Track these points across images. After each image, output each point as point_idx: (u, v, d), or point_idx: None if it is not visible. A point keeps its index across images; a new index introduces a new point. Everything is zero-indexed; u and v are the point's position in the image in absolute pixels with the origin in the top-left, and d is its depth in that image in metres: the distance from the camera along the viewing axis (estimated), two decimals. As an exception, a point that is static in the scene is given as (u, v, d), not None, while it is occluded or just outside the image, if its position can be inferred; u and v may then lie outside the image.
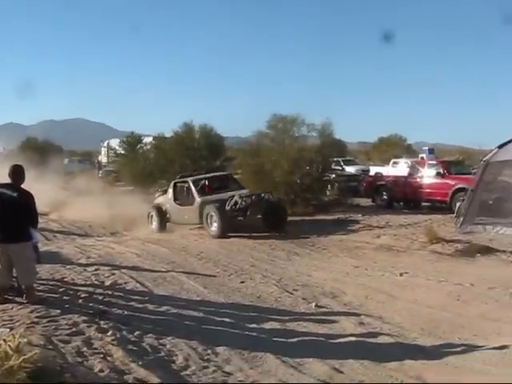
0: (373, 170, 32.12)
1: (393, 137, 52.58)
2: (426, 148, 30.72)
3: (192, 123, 27.34)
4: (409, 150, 46.36)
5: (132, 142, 31.76)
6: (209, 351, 5.97)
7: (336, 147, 20.01)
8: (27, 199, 7.10)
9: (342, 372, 5.59)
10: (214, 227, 14.16)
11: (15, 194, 7.04)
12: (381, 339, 6.60)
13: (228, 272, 10.07)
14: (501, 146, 13.39)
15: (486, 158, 13.53)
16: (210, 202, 14.71)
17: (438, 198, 17.30)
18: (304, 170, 18.51)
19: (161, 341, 6.17)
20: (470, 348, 6.17)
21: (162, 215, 16.50)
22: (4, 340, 4.46)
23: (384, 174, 27.05)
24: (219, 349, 6.03)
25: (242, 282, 9.33)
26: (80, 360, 5.22)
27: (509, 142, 13.35)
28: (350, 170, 30.76)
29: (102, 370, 5.01)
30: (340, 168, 27.30)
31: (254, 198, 14.75)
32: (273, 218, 15.20)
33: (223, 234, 13.99)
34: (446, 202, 16.70)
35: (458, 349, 6.18)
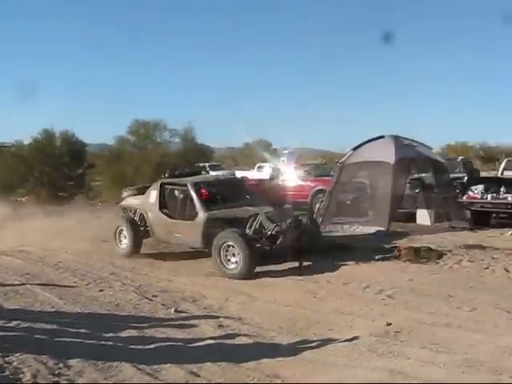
0: (238, 175, 32.50)
1: (258, 142, 53.76)
2: (287, 151, 31.60)
3: (52, 129, 26.49)
4: (275, 155, 47.57)
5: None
6: (60, 365, 5.65)
7: (200, 152, 19.99)
8: None
9: (199, 375, 5.52)
10: (235, 264, 9.86)
11: None
12: (239, 340, 6.60)
13: (86, 281, 9.70)
14: (355, 149, 14.04)
15: (342, 160, 14.13)
16: (222, 222, 10.66)
17: (300, 200, 17.80)
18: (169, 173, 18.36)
19: (7, 358, 5.75)
20: (324, 342, 6.34)
21: (137, 228, 12.19)
22: None
23: (249, 177, 27.49)
24: (72, 361, 5.74)
25: (101, 291, 9.01)
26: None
27: (362, 144, 14.02)
28: (216, 174, 30.96)
29: None
30: (205, 173, 27.37)
31: (290, 223, 10.35)
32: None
33: (250, 273, 9.77)
34: (307, 203, 17.23)
35: (313, 344, 6.32)
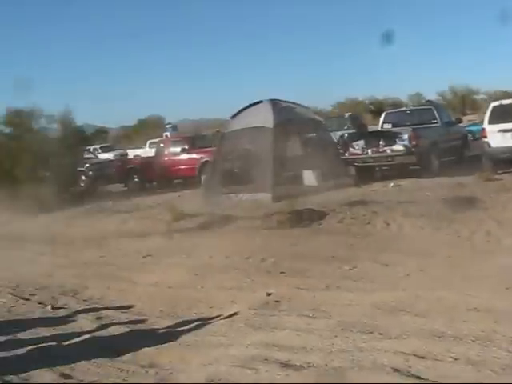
0: (132, 153, 31.88)
1: (151, 118, 52.79)
2: (170, 125, 31.17)
3: None
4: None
5: None
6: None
7: (81, 135, 19.25)
8: None
9: (71, 377, 5.23)
10: None
11: None
12: (117, 331, 6.32)
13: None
14: (233, 117, 13.90)
15: (222, 129, 13.99)
16: None
17: (188, 174, 17.57)
18: (49, 163, 17.63)
19: None
20: (204, 322, 6.21)
21: None
22: None
23: (142, 155, 26.97)
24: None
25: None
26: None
27: (240, 111, 13.90)
28: (108, 156, 30.17)
29: None
30: (93, 156, 26.55)
31: None
32: None
33: None
34: (195, 176, 17.00)
35: (193, 325, 6.16)
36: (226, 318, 6.20)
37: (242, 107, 14.11)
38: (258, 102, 14.11)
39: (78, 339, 6.23)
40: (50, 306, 7.52)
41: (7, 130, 18.35)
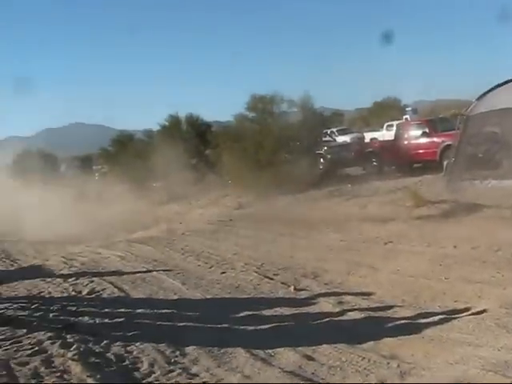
0: (368, 136, 31.67)
1: (387, 99, 51.83)
2: (409, 108, 30.28)
3: (177, 114, 27.18)
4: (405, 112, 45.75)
5: (123, 140, 31.36)
6: (177, 353, 5.66)
7: (320, 119, 19.54)
8: None
9: (313, 359, 5.30)
10: None
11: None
12: (358, 317, 6.31)
13: (209, 264, 9.80)
14: (479, 98, 13.00)
15: (466, 111, 13.17)
16: None
17: (428, 158, 16.89)
18: (290, 147, 18.22)
19: (128, 348, 5.87)
20: (448, 316, 5.89)
21: None
22: None
23: (379, 138, 26.64)
24: (188, 349, 5.73)
25: (223, 273, 9.05)
26: (34, 382, 4.94)
27: (487, 92, 12.96)
28: (345, 139, 30.32)
29: (53, 391, 4.74)
30: (331, 139, 26.87)
31: None
32: None
33: None
34: (436, 161, 16.29)
35: (437, 318, 5.88)
36: (474, 314, 5.79)
37: (488, 88, 13.12)
38: (507, 81, 12.99)
39: (319, 322, 6.33)
40: (292, 287, 7.74)
41: (251, 115, 19.21)
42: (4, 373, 5.15)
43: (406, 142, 17.85)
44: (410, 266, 7.87)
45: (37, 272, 10.72)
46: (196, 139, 24.70)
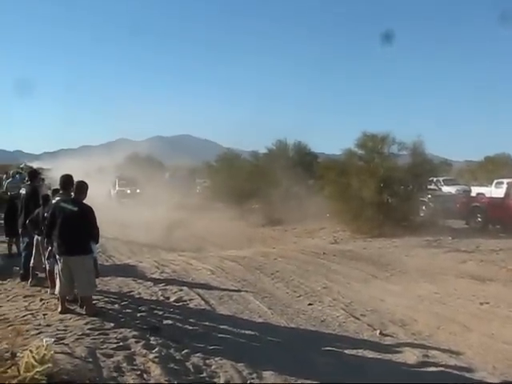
0: (475, 191, 30.59)
1: (500, 155, 49.99)
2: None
3: (286, 140, 27.50)
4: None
5: (229, 157, 31.99)
6: (254, 375, 5.71)
7: (430, 166, 19.09)
8: (87, 214, 7.23)
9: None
10: None
11: (76, 209, 7.21)
12: (443, 375, 6.09)
13: (298, 293, 9.79)
14: None
15: None
16: None
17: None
18: (394, 189, 17.94)
19: (207, 361, 5.99)
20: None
21: None
22: (30, 351, 4.47)
23: (487, 194, 25.69)
24: (266, 373, 5.77)
25: (310, 305, 9.01)
26: (115, 375, 5.12)
27: None
28: (450, 190, 29.49)
29: (132, 387, 4.89)
30: (436, 188, 26.22)
31: None
32: None
33: None
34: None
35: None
36: None
37: None
38: None
39: (401, 371, 6.19)
40: (378, 331, 7.59)
41: (360, 152, 19.11)
42: (90, 360, 5.36)
43: (515, 202, 17.10)
44: (507, 332, 7.50)
45: (130, 271, 11.14)
46: (300, 167, 24.83)
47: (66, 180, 7.71)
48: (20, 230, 10.22)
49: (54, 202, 7.75)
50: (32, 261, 9.22)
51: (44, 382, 4.27)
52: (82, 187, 7.49)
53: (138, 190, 34.55)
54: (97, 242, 7.52)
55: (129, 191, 34.86)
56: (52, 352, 4.68)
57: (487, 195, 23.30)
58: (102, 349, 5.80)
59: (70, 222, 7.20)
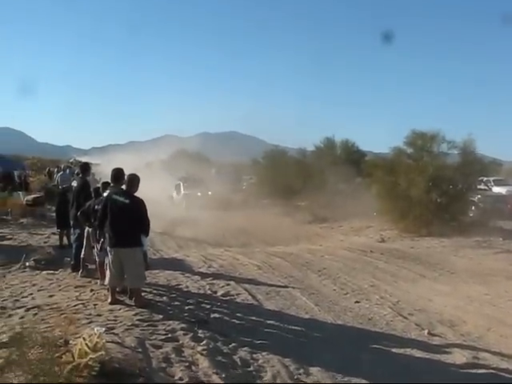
0: (525, 191, 29.87)
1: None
2: None
3: (333, 138, 27.43)
4: None
5: (275, 154, 32.03)
6: (301, 371, 5.76)
7: (480, 165, 18.73)
8: (139, 206, 7.37)
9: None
10: None
11: (128, 201, 7.36)
12: (493, 377, 6.02)
13: (345, 290, 9.79)
14: None
15: None
16: None
17: None
18: (442, 188, 17.68)
19: (254, 355, 6.06)
20: None
21: None
22: (83, 338, 4.61)
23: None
24: (312, 369, 5.81)
25: (357, 302, 9.00)
26: (164, 366, 5.23)
27: None
28: (500, 190, 28.90)
29: (181, 379, 5.01)
30: (486, 188, 25.74)
31: None
32: None
33: None
34: None
35: None
36: None
37: None
38: None
39: (450, 372, 6.14)
40: (426, 331, 7.53)
41: (409, 151, 18.91)
42: (140, 350, 5.49)
43: None
44: (559, 337, 7.35)
45: (177, 265, 11.32)
46: (348, 165, 24.76)
47: (118, 173, 7.88)
48: (71, 222, 10.50)
49: (105, 194, 7.92)
50: (83, 252, 9.46)
51: (97, 368, 4.40)
52: (134, 180, 7.64)
53: (209, 192, 28.65)
54: (147, 235, 7.66)
55: (199, 193, 28.43)
56: (104, 340, 4.82)
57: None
58: (150, 340, 5.93)
59: (121, 214, 7.36)
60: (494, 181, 30.79)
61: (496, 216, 19.28)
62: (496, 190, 28.22)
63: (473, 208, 20.44)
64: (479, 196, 21.04)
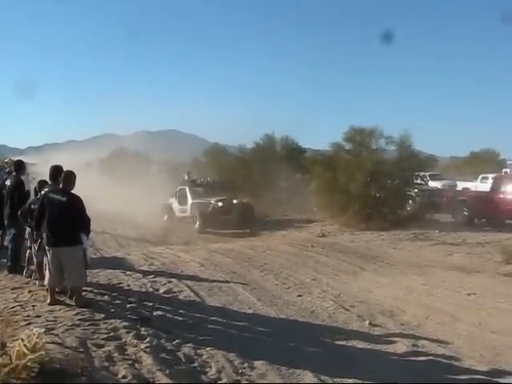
0: (460, 185, 30.84)
1: (485, 151, 50.43)
2: (511, 162, 29.21)
3: (273, 135, 27.56)
4: (502, 165, 44.21)
5: (216, 152, 32.00)
6: (245, 365, 5.75)
7: (417, 160, 19.17)
8: (77, 204, 7.20)
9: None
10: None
11: (64, 199, 7.16)
12: (432, 364, 6.16)
13: (287, 285, 9.85)
14: None
15: None
16: None
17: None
18: (381, 183, 18.03)
19: (198, 351, 6.02)
20: (531, 381, 5.61)
21: None
22: (22, 340, 4.48)
23: (472, 189, 25.92)
24: (257, 363, 5.81)
25: (299, 296, 9.08)
26: (106, 365, 5.14)
27: None
28: (436, 184, 29.71)
29: (124, 377, 4.92)
30: (423, 182, 26.40)
31: None
32: None
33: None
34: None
35: (517, 380, 5.64)
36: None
37: None
38: None
39: (391, 361, 6.25)
40: (367, 322, 7.65)
41: (348, 146, 19.19)
42: (81, 350, 5.37)
43: (501, 196, 17.23)
44: (494, 322, 7.59)
45: (118, 264, 11.15)
46: (288, 162, 24.92)
47: (55, 170, 7.68)
48: (6, 222, 10.12)
49: (42, 193, 7.71)
50: (28, 252, 9.14)
51: (36, 369, 4.27)
52: (70, 177, 7.42)
53: (234, 201, 20.38)
54: (88, 233, 7.50)
55: (220, 204, 19.73)
56: (43, 341, 4.69)
57: (473, 190, 23.46)
58: (92, 339, 5.81)
59: (59, 213, 7.16)
60: (430, 175, 31.61)
61: (432, 209, 19.79)
62: (432, 184, 28.98)
63: (410, 202, 20.95)
64: (416, 190, 21.54)
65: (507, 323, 7.50)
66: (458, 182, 32.80)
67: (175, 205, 21.42)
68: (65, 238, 7.14)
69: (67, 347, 5.32)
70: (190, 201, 20.53)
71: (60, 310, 6.99)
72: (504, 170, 30.06)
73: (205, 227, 19.15)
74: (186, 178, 23.19)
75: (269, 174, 23.44)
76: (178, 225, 20.49)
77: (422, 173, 27.50)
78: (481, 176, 30.40)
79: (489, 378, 5.75)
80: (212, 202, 19.71)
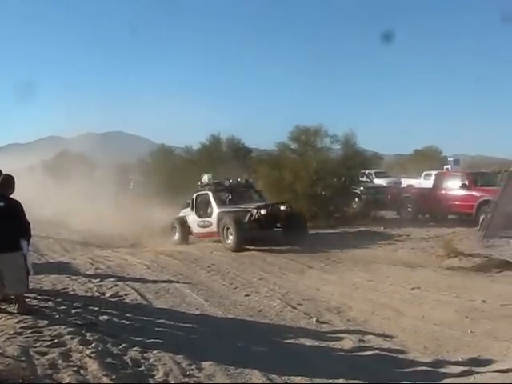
0: (405, 183, 31.46)
1: (428, 149, 51.64)
2: (452, 159, 29.98)
3: (219, 135, 27.52)
4: (445, 162, 45.38)
5: (162, 153, 31.71)
6: (193, 366, 5.68)
7: (362, 159, 19.50)
8: (16, 209, 6.98)
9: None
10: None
11: (2, 204, 6.93)
12: (378, 358, 6.23)
13: (234, 285, 9.87)
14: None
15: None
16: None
17: (464, 211, 16.70)
18: (327, 181, 18.24)
19: (145, 354, 5.92)
20: (471, 370, 5.73)
21: None
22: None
23: (416, 186, 26.48)
24: (205, 364, 5.74)
25: (247, 296, 9.10)
26: (50, 373, 5.00)
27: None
28: (381, 182, 30.24)
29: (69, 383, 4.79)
30: (368, 180, 26.85)
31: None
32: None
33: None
34: (472, 215, 16.09)
35: (458, 370, 5.76)
36: (499, 372, 5.62)
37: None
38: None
39: (338, 357, 6.30)
40: (314, 319, 7.71)
41: (293, 146, 19.37)
42: (23, 359, 5.24)
43: (443, 192, 17.69)
44: (436, 315, 7.79)
45: (63, 269, 10.94)
46: (235, 162, 24.92)
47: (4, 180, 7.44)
48: None
49: None
50: None
51: None
52: (9, 181, 7.18)
53: (282, 207, 14.96)
54: (29, 238, 7.30)
55: (263, 211, 14.39)
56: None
57: (416, 186, 24.01)
58: (35, 347, 5.65)
59: None
60: (375, 173, 32.15)
61: (378, 207, 20.15)
62: (377, 181, 29.49)
63: (356, 200, 21.30)
64: (362, 188, 21.90)
65: (448, 315, 7.72)
66: (402, 180, 33.44)
67: (192, 217, 16.37)
68: (4, 244, 6.90)
69: (8, 357, 5.17)
70: (216, 210, 15.26)
71: (1, 318, 6.76)
72: (445, 166, 30.80)
73: (241, 243, 13.82)
74: (205, 179, 17.18)
75: (215, 174, 23.35)
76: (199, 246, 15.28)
77: (368, 171, 27.97)
78: (424, 173, 31.06)
79: (432, 368, 5.86)
80: (250, 208, 14.61)
